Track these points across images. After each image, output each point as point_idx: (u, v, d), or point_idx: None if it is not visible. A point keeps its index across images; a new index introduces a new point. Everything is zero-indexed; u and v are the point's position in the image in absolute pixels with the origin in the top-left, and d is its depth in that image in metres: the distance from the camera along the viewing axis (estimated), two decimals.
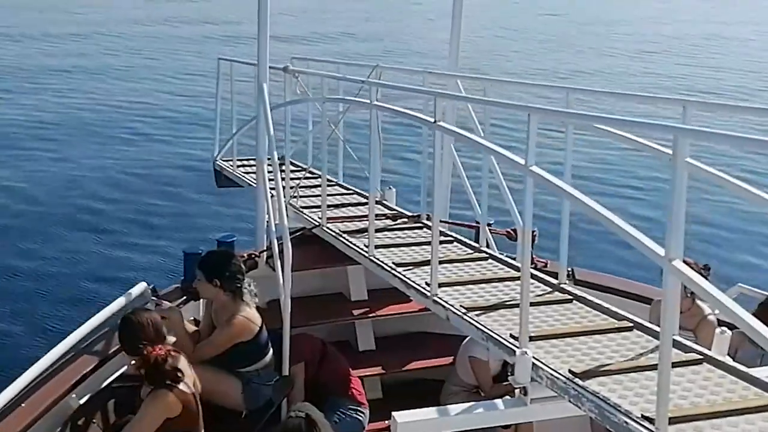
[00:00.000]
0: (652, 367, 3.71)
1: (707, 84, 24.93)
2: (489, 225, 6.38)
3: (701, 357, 3.98)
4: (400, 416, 3.86)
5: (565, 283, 5.09)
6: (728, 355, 4.86)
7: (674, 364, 3.80)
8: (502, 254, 5.91)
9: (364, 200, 7.08)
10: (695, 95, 19.75)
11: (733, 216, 12.75)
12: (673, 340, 4.08)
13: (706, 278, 5.56)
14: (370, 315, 6.53)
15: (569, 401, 3.73)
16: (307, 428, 4.75)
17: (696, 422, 3.36)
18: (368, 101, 5.72)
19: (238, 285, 5.37)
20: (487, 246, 6.11)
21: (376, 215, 6.42)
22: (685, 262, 5.14)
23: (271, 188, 6.29)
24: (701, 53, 32.47)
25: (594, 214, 3.49)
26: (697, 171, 3.98)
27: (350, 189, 7.66)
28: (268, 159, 6.34)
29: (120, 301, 5.59)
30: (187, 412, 4.59)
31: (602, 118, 4.02)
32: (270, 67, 6.54)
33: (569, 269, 6.44)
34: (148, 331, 4.67)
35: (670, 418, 3.27)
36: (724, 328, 4.25)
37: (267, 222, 6.32)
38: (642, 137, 4.59)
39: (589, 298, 4.84)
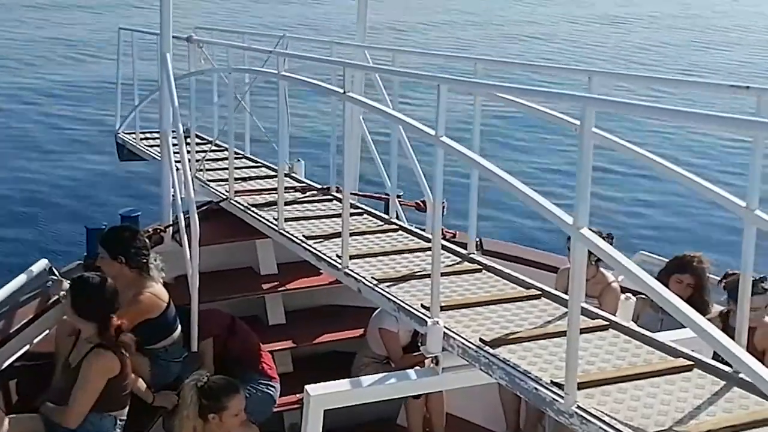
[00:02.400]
0: (561, 334, 3.78)
1: (612, 54, 25.45)
2: (399, 197, 6.38)
3: (607, 323, 4.06)
4: (312, 389, 3.84)
5: (474, 254, 5.13)
6: (631, 320, 5.01)
7: (582, 330, 3.85)
8: (412, 226, 5.93)
9: (273, 173, 7.00)
10: (601, 66, 20.14)
11: (635, 185, 13.09)
12: (580, 307, 4.17)
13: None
14: (280, 289, 6.48)
15: (480, 369, 3.77)
16: (204, 391, 4.80)
17: (603, 387, 3.43)
18: (275, 72, 5.63)
19: (144, 261, 5.24)
20: (397, 218, 6.12)
21: (286, 188, 6.36)
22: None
23: (176, 161, 6.16)
24: (608, 26, 33.08)
25: (503, 184, 3.51)
26: (603, 141, 4.06)
27: (258, 161, 7.56)
28: (173, 131, 6.19)
29: (19, 280, 5.41)
30: (125, 373, 4.73)
31: (510, 88, 4.04)
32: (173, 37, 6.38)
33: (477, 239, 6.52)
34: (108, 299, 4.77)
35: (578, 384, 3.32)
36: (629, 295, 4.36)
37: (173, 196, 6.19)
38: (550, 107, 4.64)
39: (498, 267, 4.89)
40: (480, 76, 4.91)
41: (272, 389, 5.64)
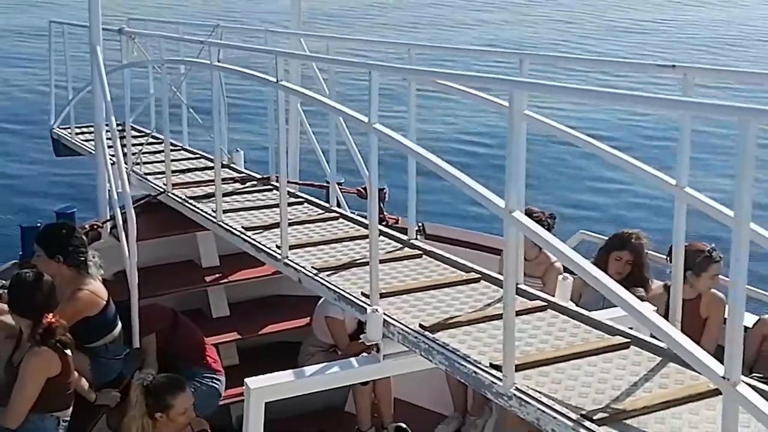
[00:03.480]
0: (500, 317, 3.77)
1: (545, 38, 25.60)
2: (339, 184, 6.35)
3: (545, 304, 4.09)
4: (252, 381, 3.81)
5: (415, 239, 5.13)
6: (573, 299, 5.05)
7: (520, 312, 3.89)
8: (354, 213, 5.91)
9: (212, 164, 6.92)
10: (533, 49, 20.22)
11: (575, 167, 13.21)
12: (519, 288, 4.20)
13: (552, 227, 5.80)
14: (223, 281, 6.43)
15: (421, 355, 3.77)
16: (150, 390, 4.77)
17: (542, 367, 3.45)
18: (208, 62, 5.55)
19: (82, 259, 5.15)
20: (338, 205, 6.09)
21: (225, 179, 6.29)
22: (530, 211, 5.34)
23: (112, 155, 6.06)
24: (539, 7, 33.21)
25: (436, 169, 3.51)
26: (537, 124, 4.07)
27: (196, 153, 7.47)
28: (107, 125, 6.09)
29: None
30: (66, 372, 4.65)
31: (442, 73, 4.03)
32: (104, 29, 6.27)
33: (420, 225, 6.53)
34: (45, 295, 4.70)
35: (516, 365, 3.34)
36: (567, 275, 4.38)
37: (109, 191, 6.09)
38: (483, 91, 4.64)
39: (439, 252, 4.90)
40: (414, 61, 4.90)
41: (217, 383, 5.60)
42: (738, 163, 2.46)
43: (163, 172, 6.48)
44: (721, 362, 2.57)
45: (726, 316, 2.72)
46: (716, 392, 2.96)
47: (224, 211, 5.67)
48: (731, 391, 2.51)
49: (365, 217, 5.64)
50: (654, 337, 3.62)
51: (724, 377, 2.54)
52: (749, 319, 5.33)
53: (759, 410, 2.44)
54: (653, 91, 3.00)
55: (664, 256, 5.49)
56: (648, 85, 13.31)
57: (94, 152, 6.89)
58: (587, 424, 2.99)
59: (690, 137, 3.59)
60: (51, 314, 4.64)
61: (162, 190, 6.35)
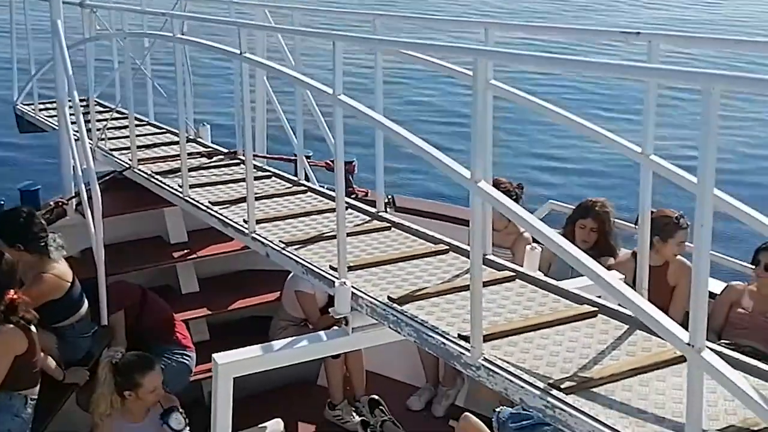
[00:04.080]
0: (468, 288, 3.77)
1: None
2: (308, 157, 6.30)
3: (513, 274, 4.08)
4: (220, 357, 3.78)
5: (384, 212, 5.10)
6: (542, 269, 5.05)
7: (488, 283, 3.89)
8: (323, 186, 5.86)
9: (178, 139, 6.83)
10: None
11: (543, 136, 13.20)
12: (487, 259, 4.19)
13: (520, 197, 5.79)
14: (192, 257, 6.38)
15: (389, 327, 3.75)
16: (119, 368, 4.73)
17: (510, 337, 3.45)
18: (171, 35, 5.46)
19: (43, 244, 5.05)
20: (307, 179, 6.04)
21: (191, 154, 6.23)
22: (498, 181, 5.33)
23: (76, 131, 5.97)
24: None
25: (401, 140, 3.47)
26: (503, 93, 4.04)
27: (162, 128, 7.37)
28: (69, 100, 5.99)
29: None
30: (32, 350, 4.59)
31: (407, 43, 3.99)
32: (65, 2, 6.15)
33: (390, 197, 6.51)
34: (4, 273, 4.61)
35: (484, 336, 3.33)
36: (535, 245, 4.38)
37: (73, 167, 6.00)
38: (450, 61, 4.60)
39: (408, 224, 4.87)
40: (380, 32, 4.85)
41: (188, 359, 5.58)
42: (701, 129, 2.44)
43: (128, 148, 6.40)
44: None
45: None
46: (683, 359, 2.96)
47: (191, 186, 5.61)
48: (696, 357, 2.52)
49: (333, 190, 5.61)
50: (621, 306, 3.63)
51: (688, 344, 2.54)
52: (717, 286, 5.37)
53: (723, 376, 2.45)
54: (620, 59, 2.97)
55: (632, 224, 5.51)
56: (615, 54, 13.33)
57: (56, 128, 6.79)
58: (554, 392, 2.99)
59: (655, 105, 3.58)
60: (12, 292, 4.57)
61: (127, 165, 6.27)
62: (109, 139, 6.80)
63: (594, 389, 3.04)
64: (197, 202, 5.41)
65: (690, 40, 4.79)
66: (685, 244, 5.38)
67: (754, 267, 5.14)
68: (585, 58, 2.99)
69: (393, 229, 4.83)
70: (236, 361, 3.78)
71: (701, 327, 2.51)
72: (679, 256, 5.43)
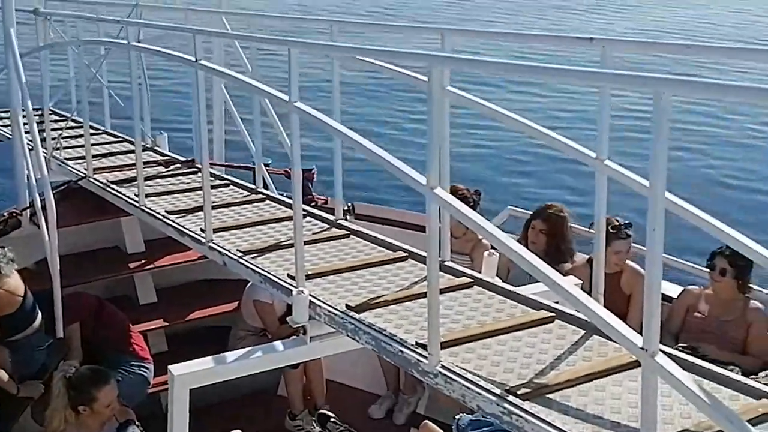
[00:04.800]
0: (426, 295, 3.77)
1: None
2: (266, 165, 6.27)
3: (471, 280, 4.08)
4: (176, 368, 3.73)
5: (343, 219, 5.08)
6: (501, 275, 5.07)
7: (446, 290, 3.89)
8: (282, 194, 5.83)
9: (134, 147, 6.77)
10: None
11: (502, 142, 13.23)
12: (445, 265, 4.19)
13: (478, 203, 5.80)
14: (149, 267, 6.30)
15: (347, 336, 3.73)
16: (73, 382, 4.66)
17: (467, 344, 3.44)
18: (125, 42, 5.40)
19: None
20: (265, 187, 6.00)
21: (148, 162, 6.17)
22: (455, 188, 5.33)
23: (30, 141, 5.88)
24: None
25: (357, 147, 3.46)
26: (460, 100, 4.05)
27: (119, 137, 7.29)
28: (23, 109, 5.91)
29: None
30: None
31: (363, 49, 3.98)
32: (18, 11, 6.06)
33: (349, 204, 6.49)
34: None
35: (442, 343, 3.32)
36: (492, 251, 4.39)
37: (27, 177, 5.91)
38: (406, 68, 4.59)
39: (367, 231, 4.86)
40: (336, 38, 4.82)
41: (145, 370, 5.50)
42: (652, 134, 2.46)
43: (83, 157, 6.31)
44: None
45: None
46: (638, 364, 2.97)
47: (147, 195, 5.55)
48: (650, 361, 2.52)
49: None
50: (578, 311, 3.64)
51: (643, 348, 2.54)
52: (674, 290, 5.42)
53: (676, 380, 2.46)
54: (576, 65, 2.98)
55: (589, 229, 5.54)
56: (575, 60, 13.43)
57: (11, 138, 6.68)
58: (511, 398, 2.99)
59: (609, 110, 3.60)
60: None
61: (83, 175, 6.19)
62: (65, 148, 6.71)
63: (550, 395, 3.04)
64: (153, 211, 5.35)
65: (642, 45, 4.83)
66: (623, 254, 5.40)
67: (709, 271, 5.19)
68: (539, 64, 2.99)
69: (352, 236, 4.81)
70: (192, 373, 3.73)
71: (655, 331, 2.52)
72: (631, 264, 5.46)
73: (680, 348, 4.60)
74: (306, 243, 4.27)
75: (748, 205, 11.34)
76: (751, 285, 5.13)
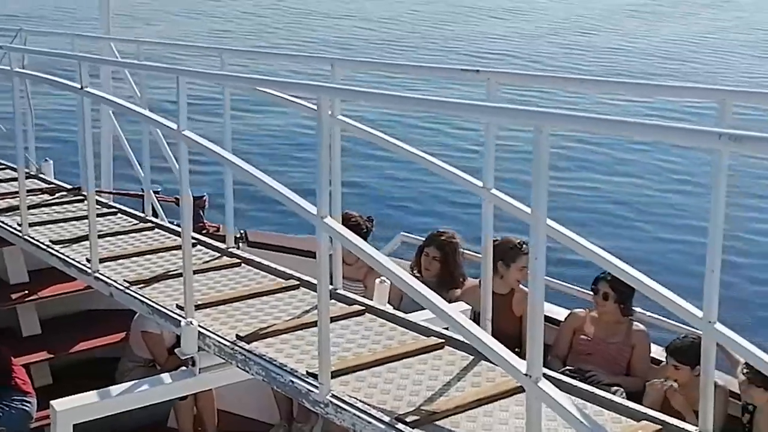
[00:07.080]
0: (317, 323, 3.77)
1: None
2: (156, 192, 6.16)
3: (363, 308, 4.10)
4: (58, 404, 3.61)
5: (235, 247, 5.04)
6: (394, 302, 5.09)
7: (338, 317, 3.90)
8: (172, 222, 5.74)
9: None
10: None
11: (395, 170, 13.33)
12: (337, 293, 4.20)
13: (371, 230, 5.84)
14: (32, 297, 6.09)
15: (237, 366, 3.70)
16: None
17: (358, 372, 3.46)
18: (8, 68, 5.25)
19: None
20: (155, 215, 5.90)
21: (32, 190, 5.99)
22: (348, 216, 5.35)
23: None
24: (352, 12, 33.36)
25: (247, 177, 3.45)
26: (350, 129, 4.08)
27: (2, 164, 7.05)
28: None
29: None
30: None
31: (251, 78, 3.98)
32: None
33: (242, 231, 6.43)
34: None
35: (333, 372, 3.33)
36: (383, 278, 4.41)
37: None
38: (297, 98, 4.60)
39: (258, 259, 4.83)
40: (226, 67, 4.81)
41: (27, 405, 5.32)
42: (533, 165, 2.53)
43: None
44: None
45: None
46: (523, 389, 3.05)
47: (31, 224, 5.38)
48: (533, 387, 2.59)
49: None
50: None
51: (526, 374, 2.60)
52: (561, 313, 5.54)
53: (559, 405, 2.53)
54: (462, 97, 3.05)
55: (479, 254, 5.64)
56: (459, 91, 13.68)
57: None
58: (400, 426, 3.01)
59: (494, 141, 3.69)
60: None
61: None
62: None
63: (439, 421, 3.07)
64: (37, 241, 5.19)
65: (529, 78, 4.98)
66: (527, 269, 5.53)
67: (593, 295, 5.34)
68: (425, 96, 3.05)
69: (243, 265, 4.78)
70: (76, 408, 3.62)
71: (538, 357, 2.59)
72: (523, 286, 5.58)
73: (567, 372, 4.70)
74: (196, 272, 4.21)
75: (632, 234, 11.71)
76: (634, 308, 5.30)
